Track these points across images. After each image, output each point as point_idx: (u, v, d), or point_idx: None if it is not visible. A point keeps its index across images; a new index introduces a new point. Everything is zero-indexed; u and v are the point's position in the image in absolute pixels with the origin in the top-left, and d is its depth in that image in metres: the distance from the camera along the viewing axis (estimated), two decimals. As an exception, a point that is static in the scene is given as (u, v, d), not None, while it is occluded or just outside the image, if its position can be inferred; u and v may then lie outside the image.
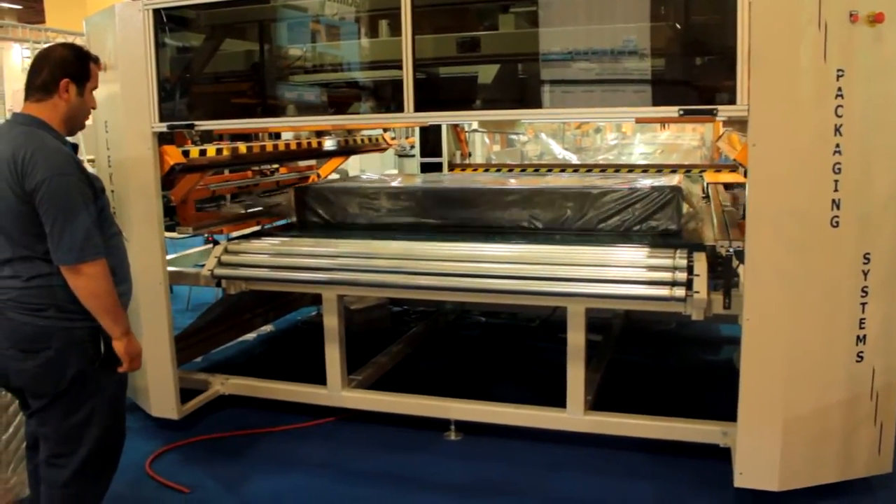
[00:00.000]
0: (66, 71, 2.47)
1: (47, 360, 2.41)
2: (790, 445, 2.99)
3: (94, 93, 2.63)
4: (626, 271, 3.34)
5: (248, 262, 3.97)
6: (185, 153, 4.07)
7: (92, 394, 2.49)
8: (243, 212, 5.02)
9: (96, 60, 2.62)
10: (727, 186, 5.20)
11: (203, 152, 4.22)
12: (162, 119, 3.75)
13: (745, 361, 3.00)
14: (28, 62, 15.24)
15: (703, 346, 5.16)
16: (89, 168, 2.70)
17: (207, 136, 4.57)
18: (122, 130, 3.87)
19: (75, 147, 2.55)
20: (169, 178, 4.08)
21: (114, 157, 3.99)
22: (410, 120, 3.38)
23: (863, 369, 2.97)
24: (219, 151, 4.34)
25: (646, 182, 4.30)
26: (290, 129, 4.43)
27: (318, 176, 6.18)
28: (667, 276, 3.25)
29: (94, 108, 2.65)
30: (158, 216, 3.79)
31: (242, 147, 4.61)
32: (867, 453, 3.07)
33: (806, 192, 2.86)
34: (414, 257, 3.68)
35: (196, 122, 3.80)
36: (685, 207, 4.06)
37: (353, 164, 10.30)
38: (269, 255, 4.00)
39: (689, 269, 3.24)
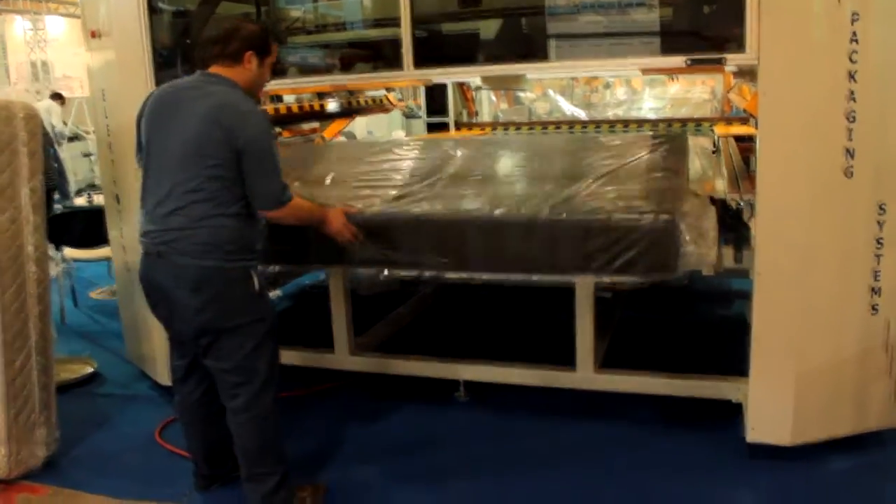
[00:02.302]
0: (251, 44, 2.73)
1: (213, 297, 2.65)
2: (802, 399, 2.96)
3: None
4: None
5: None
6: (184, 119, 4.00)
7: (256, 324, 2.73)
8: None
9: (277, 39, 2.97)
10: (738, 139, 5.09)
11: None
12: (158, 85, 3.67)
13: (756, 316, 2.95)
14: (30, 34, 15.24)
15: (715, 301, 5.11)
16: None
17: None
18: (118, 98, 3.82)
19: None
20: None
21: (112, 126, 3.94)
22: (410, 78, 3.30)
23: (877, 322, 2.91)
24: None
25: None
26: (289, 91, 4.35)
27: (323, 139, 6.11)
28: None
29: (268, 81, 2.93)
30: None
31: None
32: (881, 406, 3.03)
33: (818, 141, 2.77)
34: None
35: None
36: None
37: (360, 126, 10.25)
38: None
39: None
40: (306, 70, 3.95)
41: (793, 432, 2.99)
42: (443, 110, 8.07)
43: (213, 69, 2.73)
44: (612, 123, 7.93)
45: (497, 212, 3.17)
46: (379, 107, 6.22)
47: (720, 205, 3.28)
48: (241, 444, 2.82)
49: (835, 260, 2.86)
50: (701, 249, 2.98)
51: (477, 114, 8.36)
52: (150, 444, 3.55)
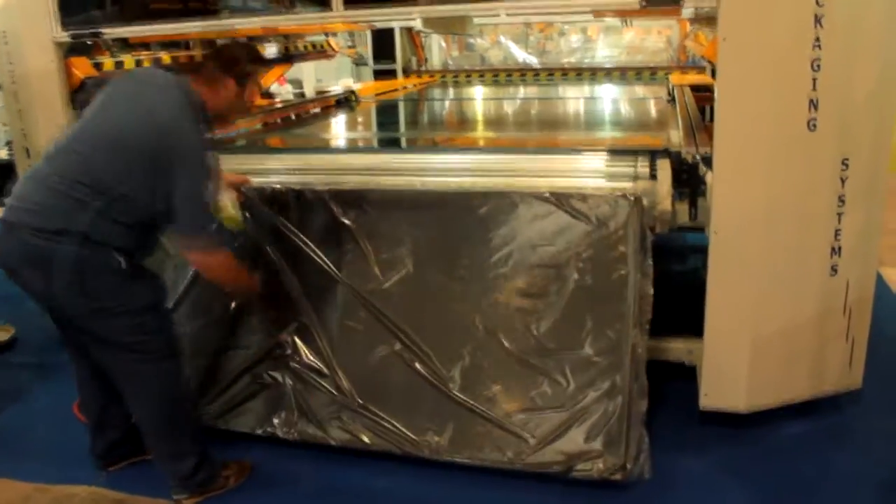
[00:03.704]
0: (230, 69, 2.55)
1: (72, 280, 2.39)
2: (758, 363, 2.82)
3: None
4: (583, 181, 3.07)
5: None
6: (98, 66, 3.66)
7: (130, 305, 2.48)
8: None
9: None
10: (695, 89, 4.91)
11: (119, 64, 3.81)
12: (64, 27, 3.33)
13: (711, 276, 2.79)
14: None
15: (669, 257, 4.97)
16: None
17: (127, 46, 4.14)
18: (22, 41, 3.46)
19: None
20: (83, 96, 3.70)
21: (17, 72, 3.58)
22: (339, 20, 3.00)
23: (836, 283, 2.77)
24: (138, 63, 3.92)
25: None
26: (214, 34, 4.01)
27: (260, 86, 5.75)
28: (628, 185, 3.00)
29: (250, 105, 2.79)
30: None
31: (166, 57, 4.18)
32: (838, 369, 2.91)
33: (781, 91, 2.57)
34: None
35: (103, 29, 3.38)
36: None
37: (308, 75, 9.85)
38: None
39: (653, 178, 2.99)
40: (235, 11, 3.62)
41: (748, 399, 2.86)
42: (391, 57, 7.76)
43: (192, 79, 2.55)
44: (565, 71, 7.75)
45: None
46: (320, 53, 5.86)
47: (675, 157, 3.10)
48: (144, 427, 2.68)
49: (795, 218, 2.69)
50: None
51: (426, 61, 8.06)
52: (68, 419, 3.29)
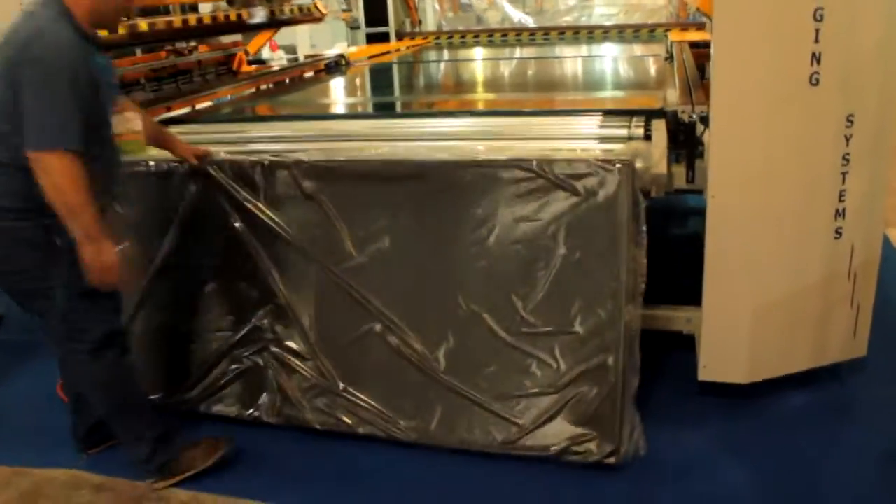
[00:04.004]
0: None
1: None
2: (760, 333, 2.71)
3: None
4: (575, 144, 2.92)
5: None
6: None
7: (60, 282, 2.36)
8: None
9: None
10: (695, 46, 4.73)
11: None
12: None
13: (709, 242, 2.66)
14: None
15: (668, 220, 4.83)
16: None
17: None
18: None
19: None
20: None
21: None
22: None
23: (841, 247, 2.64)
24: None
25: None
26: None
27: (247, 53, 5.58)
28: (620, 148, 2.85)
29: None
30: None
31: (143, 24, 4.01)
32: (842, 337, 2.80)
33: (781, 43, 2.42)
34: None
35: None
36: None
37: (303, 40, 9.66)
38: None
39: (647, 140, 2.85)
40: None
41: (749, 370, 2.75)
42: (384, 20, 7.56)
43: None
44: (562, 31, 7.54)
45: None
46: (307, 16, 5.67)
47: (671, 117, 2.95)
48: (97, 410, 2.64)
49: (797, 179, 2.55)
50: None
51: (420, 23, 7.86)
52: (50, 401, 3.20)
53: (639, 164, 2.57)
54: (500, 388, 2.65)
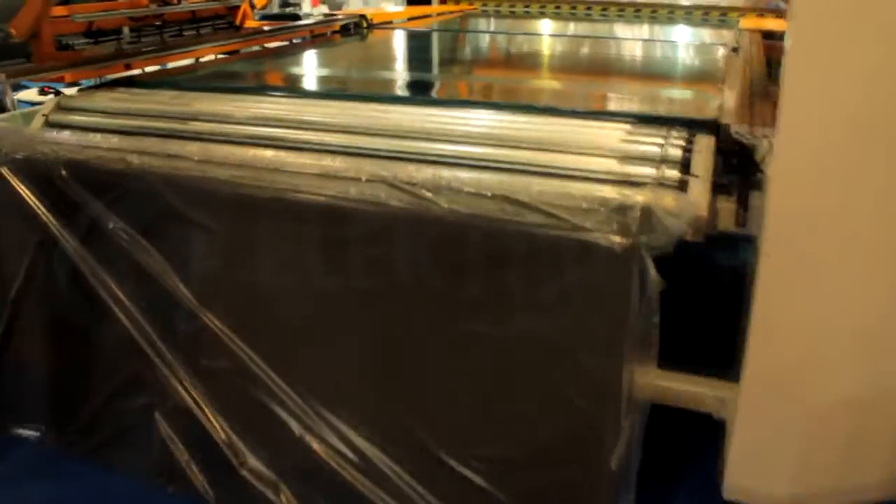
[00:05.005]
0: None
1: None
2: (815, 448, 1.95)
3: None
4: (588, 160, 2.18)
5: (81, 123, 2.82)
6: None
7: None
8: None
9: None
10: (766, 37, 3.88)
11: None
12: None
13: (755, 321, 1.90)
14: None
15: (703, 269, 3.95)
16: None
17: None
18: None
19: None
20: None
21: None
22: None
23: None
24: None
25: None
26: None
27: (252, 6, 4.92)
28: (649, 171, 2.11)
29: None
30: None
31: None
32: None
33: (881, 42, 1.64)
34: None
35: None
36: None
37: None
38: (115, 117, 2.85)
39: (685, 163, 2.10)
40: None
41: (792, 490, 2.00)
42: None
43: None
44: (622, 7, 6.70)
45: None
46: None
47: (724, 133, 2.19)
48: None
49: (887, 245, 1.78)
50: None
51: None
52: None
53: (667, 202, 1.82)
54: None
